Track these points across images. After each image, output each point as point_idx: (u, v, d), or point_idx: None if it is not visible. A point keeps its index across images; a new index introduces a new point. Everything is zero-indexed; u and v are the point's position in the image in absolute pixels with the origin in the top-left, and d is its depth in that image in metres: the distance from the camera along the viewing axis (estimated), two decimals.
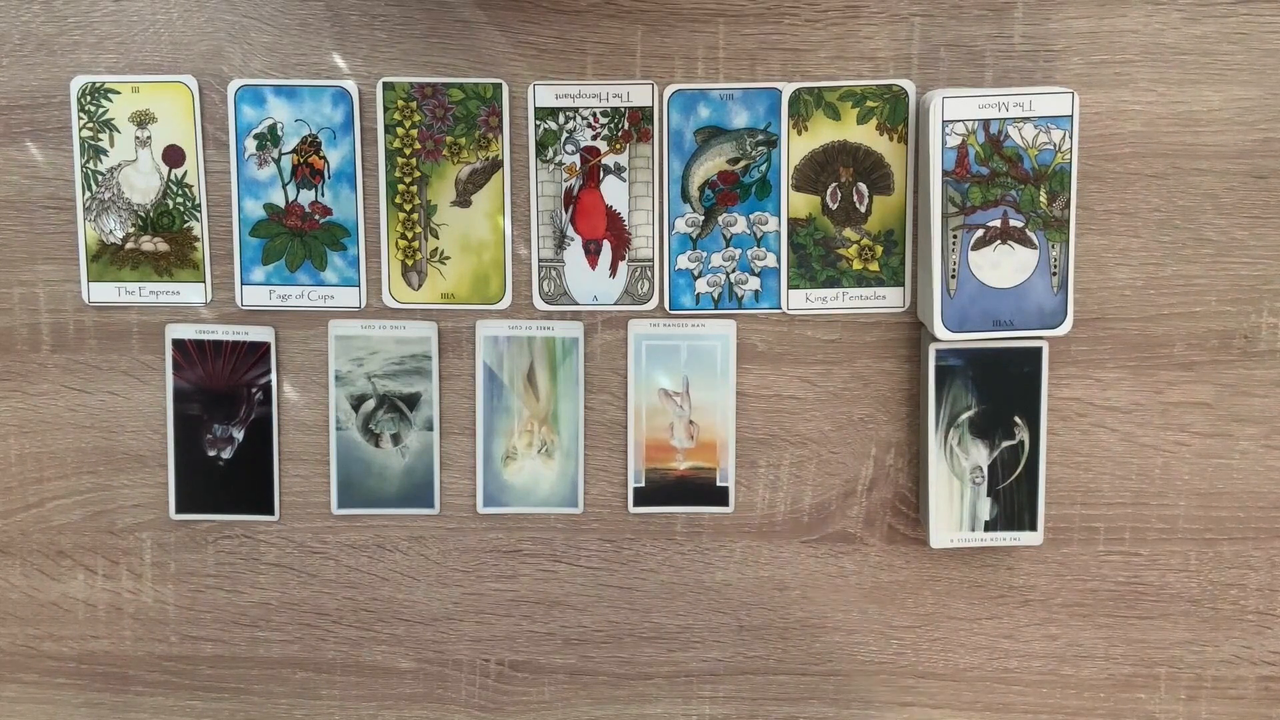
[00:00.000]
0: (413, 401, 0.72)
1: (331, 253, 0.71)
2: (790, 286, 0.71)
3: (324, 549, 0.74)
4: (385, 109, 0.70)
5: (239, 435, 0.72)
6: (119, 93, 0.70)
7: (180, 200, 0.71)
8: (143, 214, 0.71)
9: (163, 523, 0.73)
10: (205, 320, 0.72)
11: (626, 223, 0.71)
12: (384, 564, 0.74)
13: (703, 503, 0.73)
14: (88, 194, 0.71)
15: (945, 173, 0.66)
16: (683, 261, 0.71)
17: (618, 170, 0.71)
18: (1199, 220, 0.70)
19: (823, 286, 0.71)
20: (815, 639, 0.74)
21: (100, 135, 0.70)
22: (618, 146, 0.70)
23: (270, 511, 0.73)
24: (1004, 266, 0.67)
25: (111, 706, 0.75)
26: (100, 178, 0.71)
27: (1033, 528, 0.70)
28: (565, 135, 0.70)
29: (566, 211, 0.71)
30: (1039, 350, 0.69)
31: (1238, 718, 0.74)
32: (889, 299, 0.71)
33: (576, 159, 0.70)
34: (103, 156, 0.71)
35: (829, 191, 0.70)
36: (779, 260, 0.71)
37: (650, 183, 0.71)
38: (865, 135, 0.70)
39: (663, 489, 0.73)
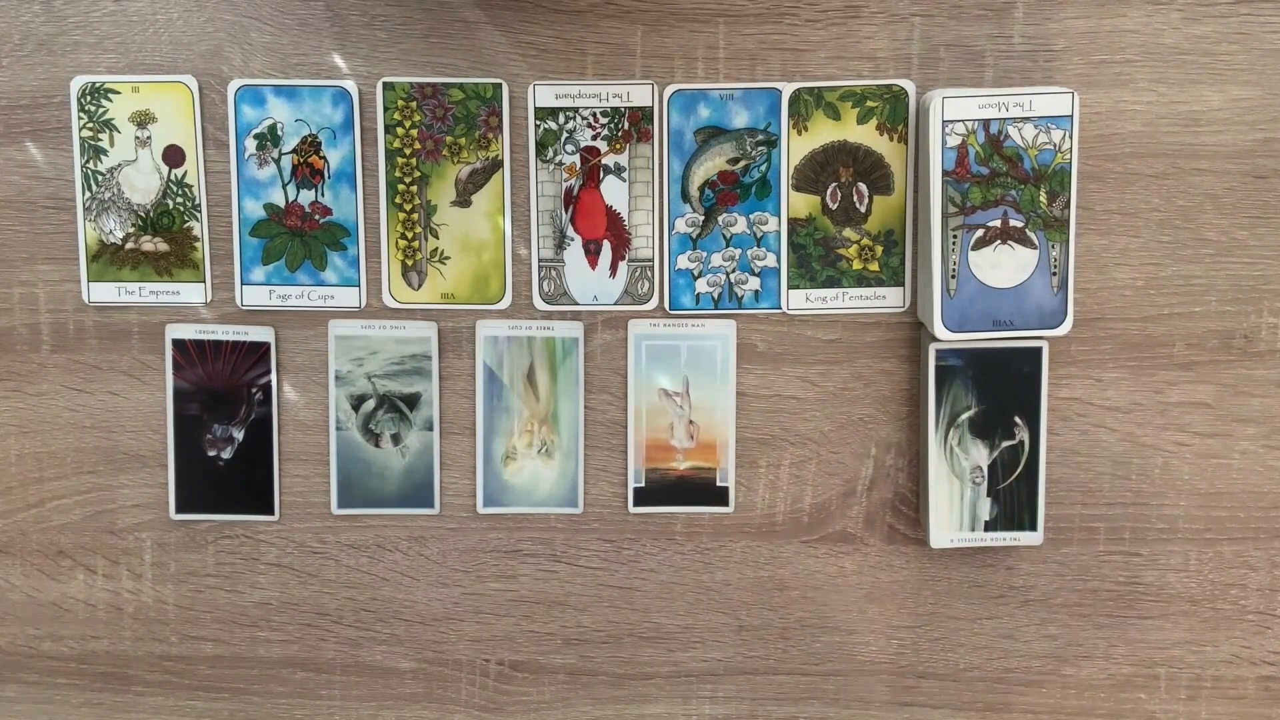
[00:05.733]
0: (413, 401, 0.72)
1: (331, 253, 0.71)
2: (790, 286, 0.71)
3: (324, 549, 0.74)
4: (385, 109, 0.70)
5: (239, 435, 0.72)
6: (119, 93, 0.70)
7: (180, 200, 0.71)
8: (143, 214, 0.71)
9: (163, 523, 0.73)
10: (205, 320, 0.72)
11: (626, 223, 0.71)
12: (384, 564, 0.74)
13: (703, 503, 0.73)
14: (88, 194, 0.71)
15: (945, 173, 0.66)
16: (683, 261, 0.71)
17: (618, 170, 0.71)
18: (1199, 220, 0.70)
19: (823, 286, 0.71)
20: (815, 639, 0.74)
21: (100, 135, 0.70)
22: (618, 146, 0.70)
23: (270, 511, 0.73)
24: (1004, 266, 0.67)
25: (111, 706, 0.75)
26: (100, 178, 0.71)
27: (1033, 528, 0.70)
28: (565, 135, 0.70)
29: (566, 211, 0.71)
30: (1039, 350, 0.69)
31: (1238, 718, 0.74)
32: (889, 299, 0.71)
33: (576, 159, 0.70)
34: (103, 156, 0.71)
35: (829, 191, 0.70)
36: (779, 260, 0.71)
37: (650, 183, 0.71)
38: (865, 135, 0.70)
39: (663, 489, 0.73)
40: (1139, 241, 0.70)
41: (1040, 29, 0.69)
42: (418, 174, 0.71)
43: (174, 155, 0.71)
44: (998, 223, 0.66)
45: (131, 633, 0.74)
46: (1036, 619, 0.73)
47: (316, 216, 0.71)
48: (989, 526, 0.70)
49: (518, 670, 0.75)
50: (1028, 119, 0.65)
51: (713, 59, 0.70)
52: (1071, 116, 0.65)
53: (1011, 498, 0.70)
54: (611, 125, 0.70)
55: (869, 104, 0.69)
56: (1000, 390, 0.69)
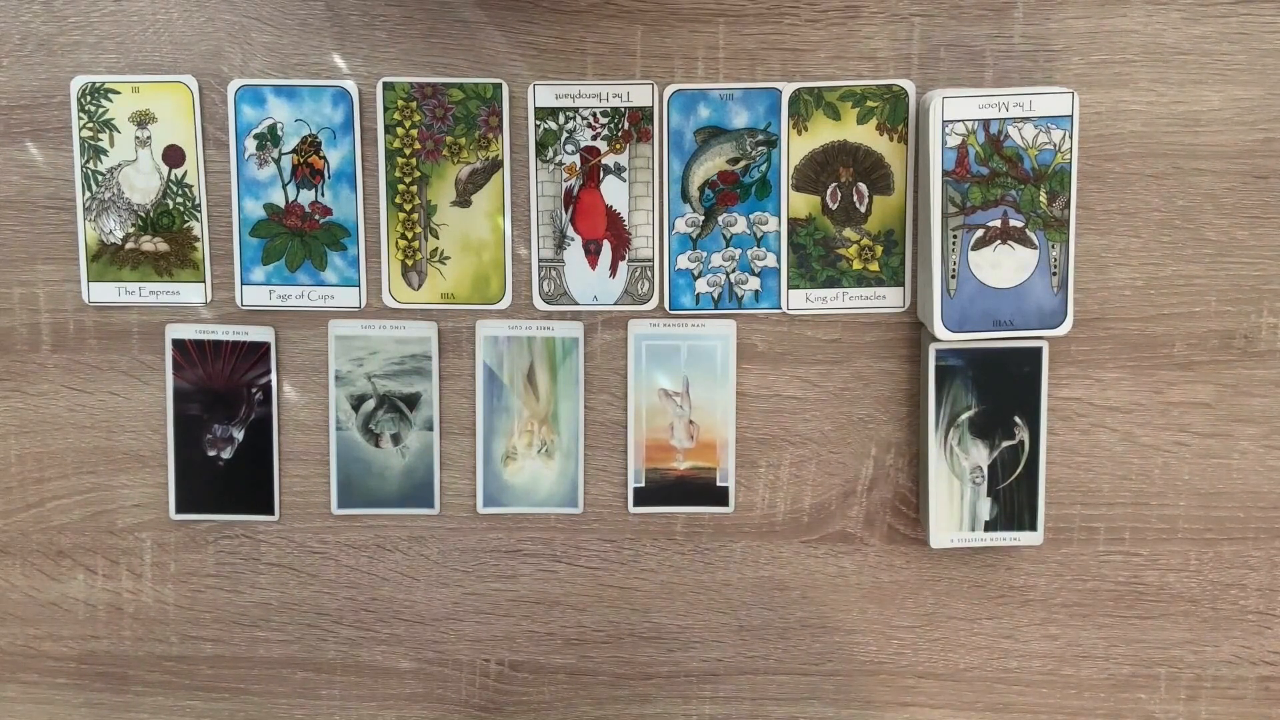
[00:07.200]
0: (413, 401, 0.72)
1: (331, 253, 0.71)
2: (790, 286, 0.71)
3: (324, 549, 0.74)
4: (385, 109, 0.70)
5: (239, 435, 0.72)
6: (119, 93, 0.70)
7: (180, 200, 0.71)
8: (143, 214, 0.71)
9: (163, 523, 0.73)
10: (205, 320, 0.72)
11: (626, 223, 0.71)
12: (384, 564, 0.74)
13: (703, 503, 0.73)
14: (88, 194, 0.71)
15: (945, 173, 0.66)
16: (683, 261, 0.71)
17: (618, 170, 0.71)
18: (1199, 220, 0.70)
19: (823, 286, 0.71)
20: (815, 639, 0.74)
21: (100, 135, 0.70)
22: (618, 146, 0.70)
23: (270, 511, 0.73)
24: (1004, 266, 0.67)
25: (111, 706, 0.75)
26: (100, 178, 0.71)
27: (1033, 528, 0.70)
28: (565, 135, 0.70)
29: (566, 211, 0.71)
30: (1039, 350, 0.69)
31: (1238, 718, 0.74)
32: (889, 299, 0.71)
33: (576, 159, 0.70)
34: (103, 156, 0.71)
35: (829, 191, 0.70)
36: (779, 260, 0.71)
37: (650, 183, 0.71)
38: (865, 135, 0.70)
39: (663, 489, 0.73)
40: (1139, 241, 0.70)
41: (1040, 29, 0.69)
42: (418, 174, 0.71)
43: (174, 155, 0.71)
44: (998, 223, 0.66)
45: (131, 633, 0.74)
46: (1036, 619, 0.73)
47: (316, 216, 0.71)
48: (989, 526, 0.70)
49: (518, 670, 0.75)
50: (1028, 119, 0.65)
51: (713, 59, 0.70)
52: (1071, 116, 0.65)
53: (1011, 498, 0.70)
54: (611, 125, 0.70)
55: (869, 104, 0.69)
56: (1000, 390, 0.69)
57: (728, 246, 0.71)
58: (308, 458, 0.73)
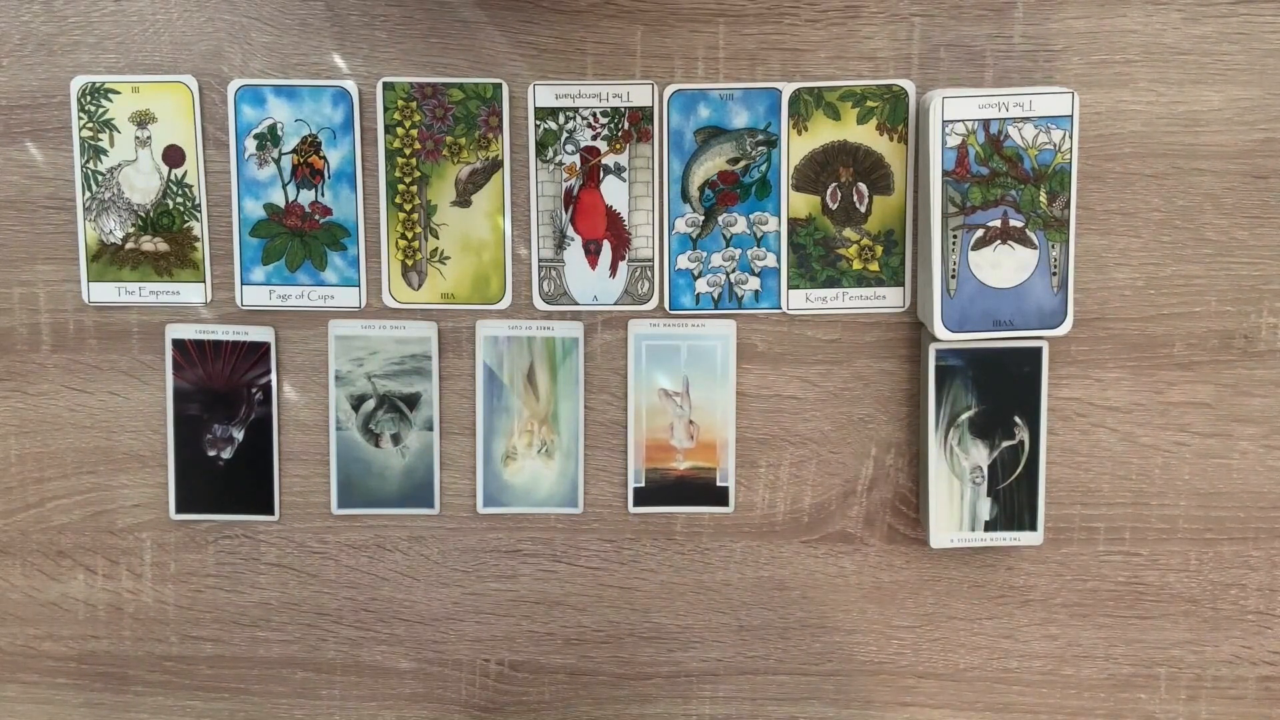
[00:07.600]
0: (413, 401, 0.72)
1: (331, 253, 0.71)
2: (790, 286, 0.71)
3: (324, 549, 0.74)
4: (385, 109, 0.70)
5: (239, 435, 0.72)
6: (119, 93, 0.70)
7: (180, 200, 0.71)
8: (143, 214, 0.71)
9: (163, 523, 0.73)
10: (205, 320, 0.72)
11: (626, 223, 0.71)
12: (384, 564, 0.74)
13: (703, 503, 0.73)
14: (88, 194, 0.71)
15: (945, 173, 0.66)
16: (683, 261, 0.71)
17: (618, 170, 0.71)
18: (1199, 220, 0.70)
19: (823, 286, 0.71)
20: (815, 639, 0.74)
21: (100, 135, 0.70)
22: (618, 146, 0.70)
23: (270, 511, 0.73)
24: (1004, 266, 0.67)
25: (111, 706, 0.75)
26: (100, 178, 0.71)
27: (1033, 528, 0.70)
28: (565, 135, 0.70)
29: (566, 211, 0.71)
30: (1039, 350, 0.69)
31: (1238, 718, 0.74)
32: (889, 299, 0.71)
33: (576, 159, 0.70)
34: (103, 156, 0.71)
35: (829, 191, 0.70)
36: (779, 260, 0.71)
37: (650, 183, 0.71)
38: (865, 135, 0.70)
39: (663, 489, 0.73)
40: (1139, 241, 0.70)
41: (1040, 29, 0.69)
42: (418, 174, 0.71)
43: (174, 155, 0.71)
44: (998, 223, 0.66)
45: (131, 633, 0.74)
46: (1036, 619, 0.73)
47: (316, 216, 0.71)
48: (989, 526, 0.70)
49: (518, 670, 0.75)
50: (1028, 119, 0.65)
51: (713, 59, 0.70)
52: (1071, 116, 0.65)
53: (1011, 498, 0.70)
54: (611, 125, 0.70)
55: (869, 104, 0.69)
56: (1000, 390, 0.69)
57: (728, 246, 0.71)
58: (308, 458, 0.73)
